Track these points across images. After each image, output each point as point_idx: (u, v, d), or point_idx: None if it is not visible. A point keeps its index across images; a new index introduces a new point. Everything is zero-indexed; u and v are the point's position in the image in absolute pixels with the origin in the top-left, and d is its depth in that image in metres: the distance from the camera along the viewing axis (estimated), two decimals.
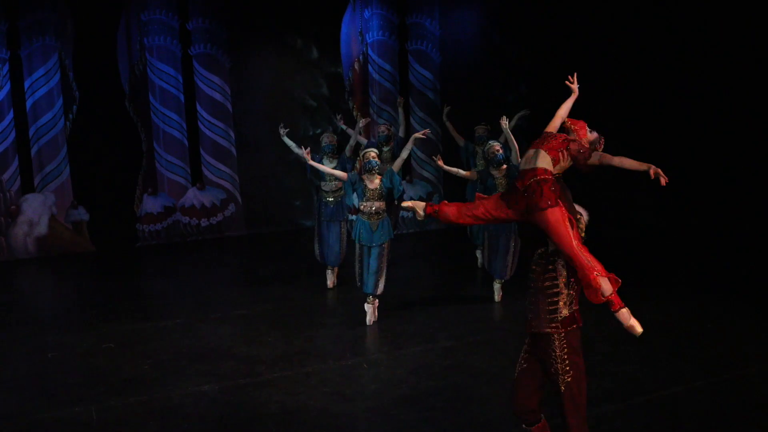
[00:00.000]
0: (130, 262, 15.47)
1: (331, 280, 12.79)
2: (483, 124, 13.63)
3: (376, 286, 10.85)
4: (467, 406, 8.33)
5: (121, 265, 15.12)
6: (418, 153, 17.49)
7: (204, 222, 16.63)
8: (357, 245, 10.95)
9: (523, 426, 6.29)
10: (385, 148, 13.67)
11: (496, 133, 13.02)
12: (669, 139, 15.02)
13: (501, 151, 11.27)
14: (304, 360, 9.59)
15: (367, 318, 10.90)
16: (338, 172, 11.21)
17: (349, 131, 13.68)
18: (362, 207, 10.81)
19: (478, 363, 9.47)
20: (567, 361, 6.03)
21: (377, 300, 10.99)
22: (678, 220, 14.86)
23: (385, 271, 10.94)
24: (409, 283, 13.03)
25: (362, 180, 10.77)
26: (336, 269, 12.80)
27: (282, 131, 12.58)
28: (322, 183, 12.53)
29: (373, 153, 10.78)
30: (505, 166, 11.24)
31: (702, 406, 8.17)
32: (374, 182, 10.71)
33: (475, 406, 8.21)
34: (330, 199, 12.48)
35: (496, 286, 11.81)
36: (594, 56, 15.59)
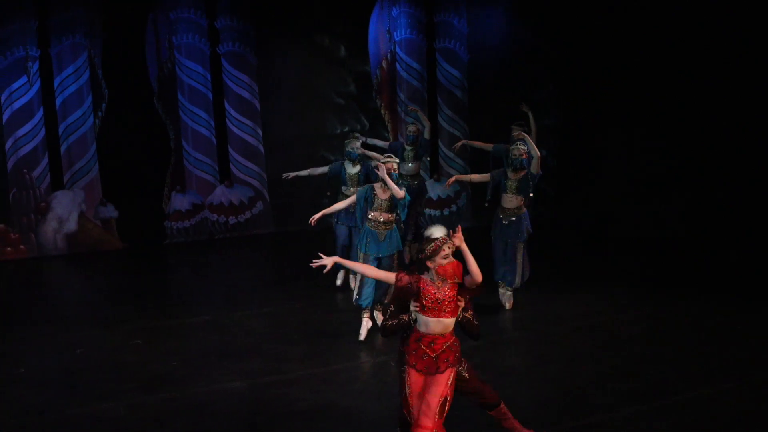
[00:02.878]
0: (158, 259, 15.52)
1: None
2: (519, 124, 13.12)
3: (385, 294, 10.35)
4: None
5: (150, 262, 15.17)
6: (446, 151, 17.44)
7: (232, 219, 16.65)
8: (361, 255, 10.40)
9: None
10: (409, 148, 13.64)
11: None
12: (701, 138, 14.90)
13: (525, 157, 11.02)
14: (332, 358, 9.58)
15: (362, 333, 10.33)
16: (349, 201, 10.61)
17: (373, 143, 13.90)
18: (371, 216, 10.33)
19: (505, 362, 9.44)
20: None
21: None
22: (705, 221, 14.75)
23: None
24: None
25: (373, 189, 10.37)
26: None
27: (286, 175, 12.62)
28: (343, 188, 12.29)
29: (394, 165, 10.33)
30: (523, 172, 11.08)
31: (731, 408, 8.10)
32: (386, 193, 10.22)
33: None
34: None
35: (507, 293, 11.47)
36: (624, 53, 15.49)
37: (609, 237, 15.11)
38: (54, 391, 8.89)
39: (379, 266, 10.15)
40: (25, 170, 15.03)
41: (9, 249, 15.01)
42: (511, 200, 11.15)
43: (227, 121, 16.49)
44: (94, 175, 15.60)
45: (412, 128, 13.79)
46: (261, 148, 16.77)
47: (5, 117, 14.80)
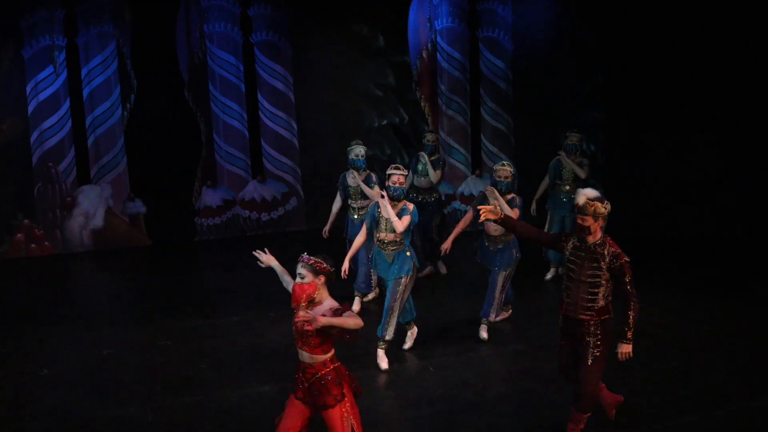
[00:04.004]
0: (188, 256, 15.57)
1: (356, 305, 11.64)
2: (575, 131, 12.88)
3: (384, 328, 9.53)
4: (538, 413, 8.25)
5: (179, 260, 15.22)
6: (489, 146, 17.37)
7: (264, 216, 16.67)
8: (374, 277, 10.12)
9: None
10: (423, 161, 12.93)
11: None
12: (759, 135, 14.70)
13: (510, 180, 10.27)
14: (367, 362, 9.56)
15: (381, 364, 9.58)
16: (365, 231, 9.76)
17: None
18: (378, 236, 9.63)
19: (551, 368, 9.35)
20: (599, 341, 7.23)
21: (387, 344, 9.64)
22: (759, 222, 14.56)
23: (398, 312, 9.54)
24: (476, 282, 12.94)
25: (378, 206, 9.61)
26: (361, 297, 11.83)
27: (325, 233, 11.92)
28: (350, 200, 11.79)
29: (401, 178, 9.57)
30: (510, 196, 10.28)
31: None
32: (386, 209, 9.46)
33: (546, 413, 8.14)
34: (356, 217, 11.66)
35: (482, 325, 10.45)
36: (677, 44, 15.32)
37: (659, 237, 14.96)
38: (79, 393, 8.94)
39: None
40: (50, 164, 15.15)
41: (33, 246, 15.14)
42: (494, 228, 10.24)
43: (260, 113, 16.51)
44: (121, 169, 15.69)
45: (430, 137, 13.26)
46: (295, 141, 16.78)
47: (30, 108, 14.93)
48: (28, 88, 14.89)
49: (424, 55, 17.06)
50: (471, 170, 17.27)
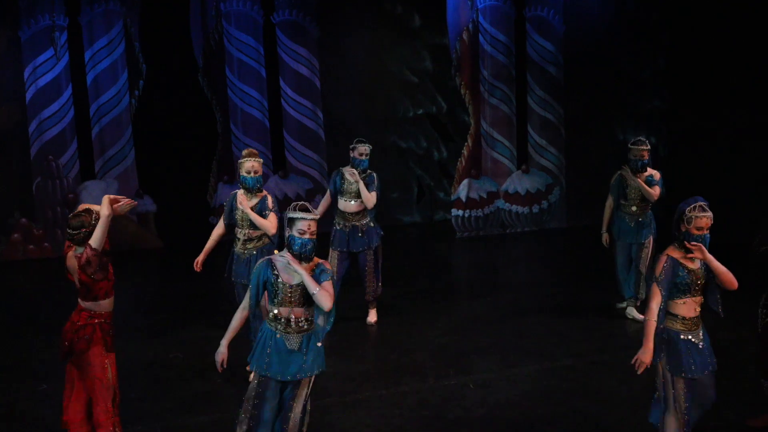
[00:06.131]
0: None
1: None
2: (642, 140, 11.40)
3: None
4: None
5: (192, 264, 15.23)
6: (537, 139, 17.32)
7: None
8: (256, 378, 7.05)
9: (762, 380, 8.06)
10: (350, 179, 11.23)
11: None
12: None
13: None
14: (400, 377, 9.57)
15: None
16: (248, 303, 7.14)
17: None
18: (274, 313, 6.91)
19: (604, 386, 9.33)
20: None
21: None
22: None
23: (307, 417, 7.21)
24: (523, 289, 12.92)
25: (273, 266, 6.89)
26: None
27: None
28: (236, 227, 9.90)
29: (313, 225, 6.76)
30: None
31: None
32: (297, 275, 6.80)
33: None
34: (241, 251, 9.89)
35: None
36: (748, 24, 15.22)
37: (728, 237, 14.87)
38: None
39: (280, 393, 7.04)
40: (50, 157, 15.29)
41: (32, 247, 15.26)
42: None
43: (282, 101, 16.57)
44: (129, 163, 15.78)
45: (362, 148, 11.26)
46: (321, 133, 16.81)
47: (29, 95, 15.06)
48: (26, 73, 15.02)
49: (465, 36, 17.02)
50: (516, 165, 17.22)
